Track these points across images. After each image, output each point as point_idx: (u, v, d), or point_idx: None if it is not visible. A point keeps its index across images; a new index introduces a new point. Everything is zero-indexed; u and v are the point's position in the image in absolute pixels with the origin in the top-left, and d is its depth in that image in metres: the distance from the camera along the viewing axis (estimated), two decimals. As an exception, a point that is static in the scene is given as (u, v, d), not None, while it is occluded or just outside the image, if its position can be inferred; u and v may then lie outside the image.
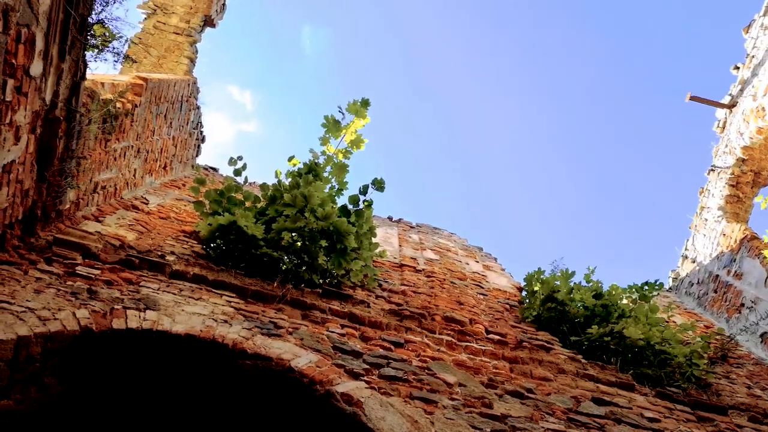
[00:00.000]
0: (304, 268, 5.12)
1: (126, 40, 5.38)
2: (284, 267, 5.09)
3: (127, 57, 6.99)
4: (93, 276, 4.10)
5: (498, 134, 25.01)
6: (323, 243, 5.17)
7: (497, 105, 25.02)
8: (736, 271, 7.61)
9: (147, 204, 6.34)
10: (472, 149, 25.52)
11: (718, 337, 6.42)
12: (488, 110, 24.96)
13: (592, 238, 24.09)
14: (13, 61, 3.53)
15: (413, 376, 3.91)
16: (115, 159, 5.81)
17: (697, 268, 8.93)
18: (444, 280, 6.50)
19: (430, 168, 25.44)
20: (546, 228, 24.61)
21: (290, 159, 6.05)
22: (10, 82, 3.55)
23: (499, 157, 25.26)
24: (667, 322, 6.50)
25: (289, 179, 5.66)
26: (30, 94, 3.86)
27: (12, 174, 3.88)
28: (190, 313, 3.96)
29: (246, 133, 25.64)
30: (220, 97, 24.70)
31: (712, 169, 9.60)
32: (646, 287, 6.33)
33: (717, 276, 8.10)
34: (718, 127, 9.56)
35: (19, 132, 3.84)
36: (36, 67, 3.84)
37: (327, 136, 5.97)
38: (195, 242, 5.49)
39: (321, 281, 5.21)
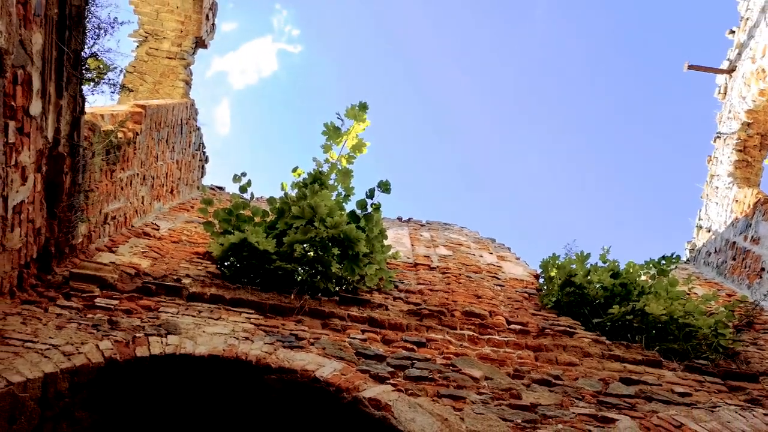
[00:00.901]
0: (318, 277, 5.13)
1: (120, 71, 5.44)
2: (299, 278, 5.11)
3: (123, 87, 7.05)
4: (112, 306, 4.14)
5: (494, 124, 24.92)
6: (335, 251, 5.18)
7: (490, 93, 24.93)
8: (752, 236, 7.53)
9: (158, 229, 6.38)
10: (470, 142, 25.42)
11: (741, 304, 6.36)
12: (481, 98, 24.87)
13: (602, 217, 23.91)
14: (13, 103, 3.57)
15: (439, 375, 3.90)
16: (122, 188, 5.86)
17: (713, 236, 8.85)
18: (459, 275, 6.49)
19: (432, 165, 25.37)
20: (556, 213, 24.48)
21: (294, 170, 6.07)
22: (12, 124, 3.59)
23: (499, 147, 25.15)
24: (688, 294, 6.45)
25: (296, 190, 5.68)
26: (32, 134, 3.90)
27: (23, 214, 3.92)
28: (211, 333, 3.99)
29: (289, 55, 24.73)
30: (256, 17, 23.94)
31: (717, 136, 9.52)
32: (664, 261, 6.28)
33: (734, 243, 8.02)
34: (719, 93, 9.47)
35: (25, 172, 3.88)
36: (35, 107, 3.88)
37: (329, 143, 5.99)
38: (209, 263, 5.52)
39: (337, 289, 5.21)
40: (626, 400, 3.94)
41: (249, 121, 25.22)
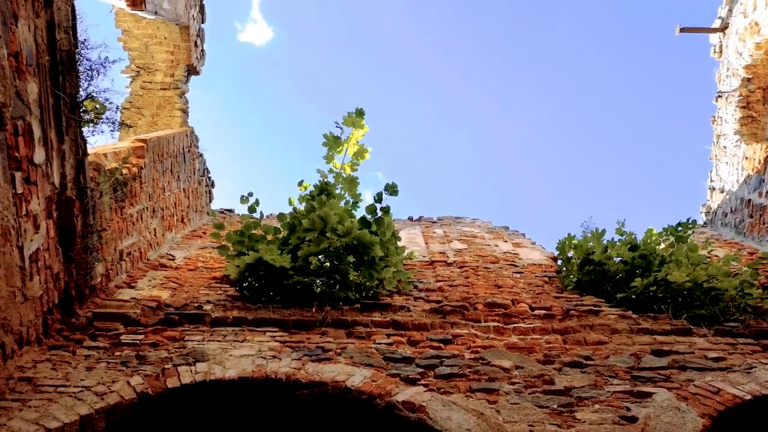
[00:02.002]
0: (337, 287, 5.14)
1: (117, 108, 5.48)
2: (318, 290, 5.12)
3: (122, 124, 7.12)
4: (138, 342, 4.17)
5: (490, 109, 24.82)
6: (350, 259, 5.18)
7: (480, 78, 24.82)
8: (767, 192, 7.44)
9: (173, 260, 6.42)
10: (466, 128, 25.32)
11: (765, 261, 6.28)
12: (473, 83, 24.76)
13: (613, 193, 23.75)
14: (16, 154, 3.62)
15: (469, 370, 3.89)
16: (133, 224, 5.91)
17: (727, 197, 8.76)
18: (477, 267, 6.47)
19: (434, 160, 25.29)
20: (563, 194, 24.35)
21: (300, 183, 6.09)
22: (18, 175, 3.63)
23: (499, 132, 25.04)
24: (709, 258, 6.39)
25: (304, 204, 5.70)
26: (39, 182, 3.95)
27: (39, 262, 3.97)
28: (239, 356, 4.00)
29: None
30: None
31: (719, 96, 9.42)
32: (680, 228, 6.22)
33: (749, 200, 7.93)
34: (715, 52, 9.39)
35: (37, 220, 3.93)
36: (39, 155, 3.93)
37: (331, 153, 6.01)
38: (228, 286, 5.55)
39: (357, 296, 5.22)
40: (660, 372, 3.90)
41: (291, 27, 22.31)
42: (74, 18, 4.29)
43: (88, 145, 4.69)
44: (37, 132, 3.90)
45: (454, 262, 6.69)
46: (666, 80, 23.39)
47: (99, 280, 4.93)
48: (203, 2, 8.74)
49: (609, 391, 3.63)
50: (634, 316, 4.90)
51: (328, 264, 5.23)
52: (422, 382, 3.74)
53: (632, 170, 23.94)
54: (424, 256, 6.98)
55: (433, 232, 8.35)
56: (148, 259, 6.25)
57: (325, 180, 5.83)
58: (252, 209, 5.87)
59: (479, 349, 4.23)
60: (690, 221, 6.27)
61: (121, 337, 4.22)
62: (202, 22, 8.88)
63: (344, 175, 5.89)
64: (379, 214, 5.64)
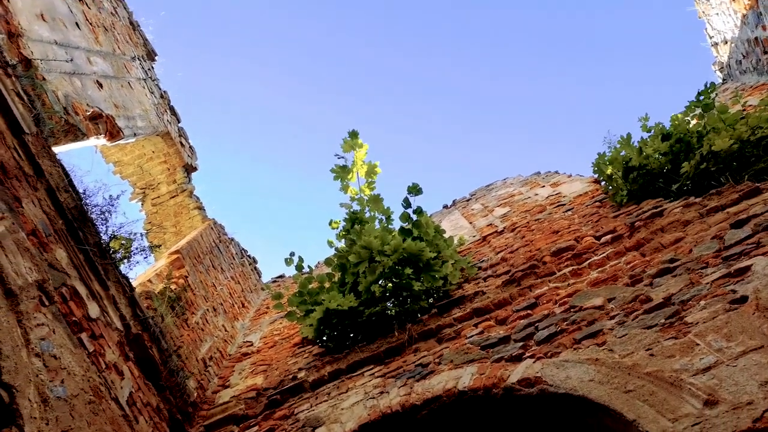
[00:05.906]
0: (408, 301, 5.14)
1: (141, 234, 5.66)
2: (392, 312, 5.13)
3: (151, 247, 7.33)
4: (255, 434, 4.25)
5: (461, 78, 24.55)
6: (408, 271, 5.19)
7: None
8: (769, 22, 7.16)
9: (252, 345, 6.54)
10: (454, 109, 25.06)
11: (799, 88, 6.02)
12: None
13: (620, 102, 23.02)
14: (74, 318, 3.76)
15: (565, 323, 3.84)
16: (202, 329, 6.05)
17: (733, 45, 8.45)
18: (528, 223, 6.39)
19: (436, 147, 24.99)
20: (577, 116, 23.79)
21: (330, 223, 6.14)
22: (84, 336, 3.77)
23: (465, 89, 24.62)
24: (744, 110, 6.16)
25: (343, 240, 5.76)
26: (104, 333, 4.09)
27: (137, 403, 4.09)
28: (349, 406, 4.04)
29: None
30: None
31: (679, -45, 9.14)
32: (702, 97, 6.01)
33: (756, 38, 7.63)
34: None
35: (118, 368, 4.06)
36: (93, 310, 4.07)
37: (345, 183, 6.06)
38: (310, 346, 5.61)
39: (430, 301, 5.22)
40: (747, 242, 3.76)
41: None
42: (68, 175, 4.45)
43: (131, 280, 4.84)
44: (82, 290, 4.05)
45: (504, 228, 6.62)
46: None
47: (195, 394, 5.06)
48: (171, 104, 8.95)
49: (707, 283, 3.52)
50: (697, 200, 4.75)
51: (390, 285, 5.25)
52: (527, 354, 3.70)
53: (625, 72, 23.11)
54: (474, 236, 6.93)
55: (472, 209, 8.29)
56: (230, 355, 6.38)
57: (352, 210, 5.88)
58: (299, 267, 5.94)
59: (566, 299, 4.17)
60: (708, 85, 6.06)
61: (237, 438, 4.31)
62: (179, 122, 9.09)
63: (366, 198, 5.93)
64: (415, 217, 5.64)
